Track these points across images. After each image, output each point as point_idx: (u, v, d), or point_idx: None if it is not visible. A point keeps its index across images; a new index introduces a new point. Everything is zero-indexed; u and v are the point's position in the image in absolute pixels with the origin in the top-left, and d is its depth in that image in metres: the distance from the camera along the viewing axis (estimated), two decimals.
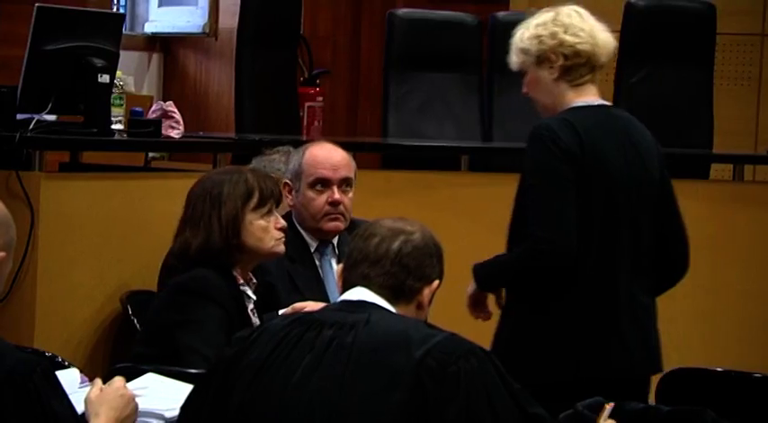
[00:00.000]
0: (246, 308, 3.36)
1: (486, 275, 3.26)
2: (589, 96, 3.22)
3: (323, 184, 3.73)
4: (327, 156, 3.76)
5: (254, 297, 3.40)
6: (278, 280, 3.64)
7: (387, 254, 2.46)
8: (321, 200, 3.71)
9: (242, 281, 3.37)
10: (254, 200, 3.36)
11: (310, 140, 5.98)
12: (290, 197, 3.76)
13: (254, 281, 3.42)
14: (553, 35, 3.19)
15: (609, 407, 2.44)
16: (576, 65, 3.17)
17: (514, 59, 3.28)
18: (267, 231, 3.36)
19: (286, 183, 3.74)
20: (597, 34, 3.20)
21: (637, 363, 3.17)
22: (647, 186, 3.21)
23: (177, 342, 3.20)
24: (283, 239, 3.40)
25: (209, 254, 3.30)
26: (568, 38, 3.18)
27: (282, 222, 3.41)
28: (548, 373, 3.11)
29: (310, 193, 3.72)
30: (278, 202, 3.44)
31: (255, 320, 3.38)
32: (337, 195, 3.71)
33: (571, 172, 3.08)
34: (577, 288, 3.12)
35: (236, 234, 3.32)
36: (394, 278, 2.46)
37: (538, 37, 3.21)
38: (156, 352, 3.20)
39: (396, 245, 2.47)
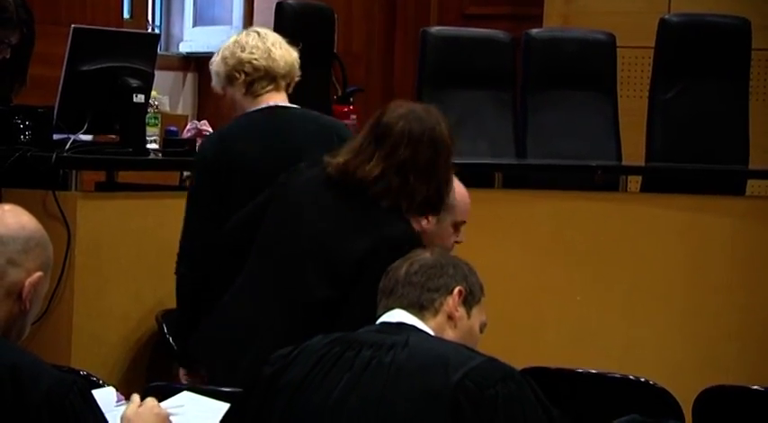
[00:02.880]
0: None
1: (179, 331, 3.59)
2: (264, 102, 3.55)
3: (460, 226, 3.70)
4: (468, 200, 3.70)
5: None
6: None
7: (397, 281, 2.54)
8: (452, 239, 3.66)
9: None
10: None
11: None
12: (429, 222, 3.70)
13: None
14: (233, 55, 3.56)
15: None
16: (256, 79, 3.53)
17: (213, 83, 3.64)
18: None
19: None
20: (272, 50, 3.56)
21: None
22: None
23: None
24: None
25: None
26: (245, 55, 3.54)
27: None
28: None
29: (450, 229, 3.62)
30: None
31: None
32: (460, 238, 3.69)
33: (209, 182, 3.43)
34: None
35: None
36: (408, 298, 2.51)
37: (224, 59, 3.58)
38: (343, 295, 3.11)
39: (402, 270, 2.55)
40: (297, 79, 3.65)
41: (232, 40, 3.61)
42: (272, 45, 3.57)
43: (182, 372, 3.58)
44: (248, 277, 3.26)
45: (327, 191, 3.21)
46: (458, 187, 3.66)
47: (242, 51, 3.55)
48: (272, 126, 3.53)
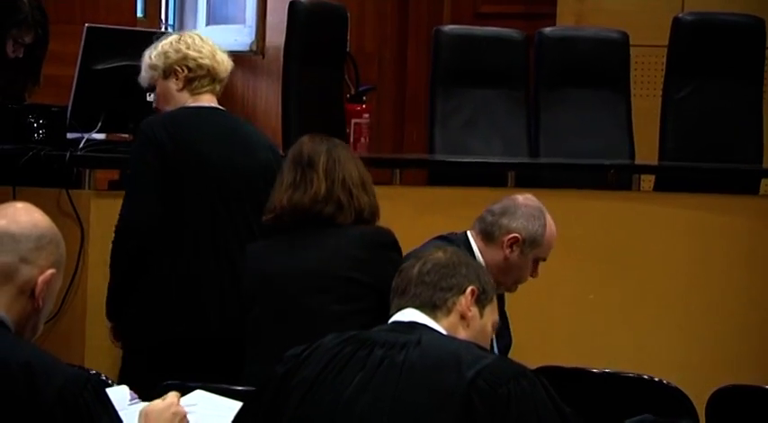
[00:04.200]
0: None
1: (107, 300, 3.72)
2: (203, 102, 3.71)
3: (539, 262, 3.74)
4: (555, 239, 3.75)
5: None
6: None
7: (410, 280, 2.53)
8: (529, 272, 3.71)
9: None
10: None
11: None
12: (513, 252, 3.66)
13: None
14: (178, 51, 3.70)
15: None
16: (198, 76, 3.69)
17: (144, 76, 3.75)
18: None
19: (517, 237, 3.64)
20: (216, 53, 3.74)
21: (215, 326, 3.58)
22: (253, 174, 3.64)
23: None
24: None
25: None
26: (192, 53, 3.69)
27: None
28: (152, 335, 3.62)
29: (530, 263, 3.70)
30: None
31: None
32: (536, 273, 3.74)
33: (158, 162, 3.56)
34: (179, 259, 3.60)
35: None
36: (420, 297, 2.51)
37: (165, 53, 3.71)
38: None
39: (415, 269, 2.54)
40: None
41: (174, 37, 3.76)
42: (217, 51, 3.77)
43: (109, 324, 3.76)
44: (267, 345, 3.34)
45: (287, 238, 3.35)
46: (549, 226, 3.68)
47: (187, 49, 3.71)
48: (225, 125, 3.69)
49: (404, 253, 3.60)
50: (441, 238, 3.72)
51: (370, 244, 3.31)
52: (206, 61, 3.69)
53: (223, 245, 3.61)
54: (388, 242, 3.35)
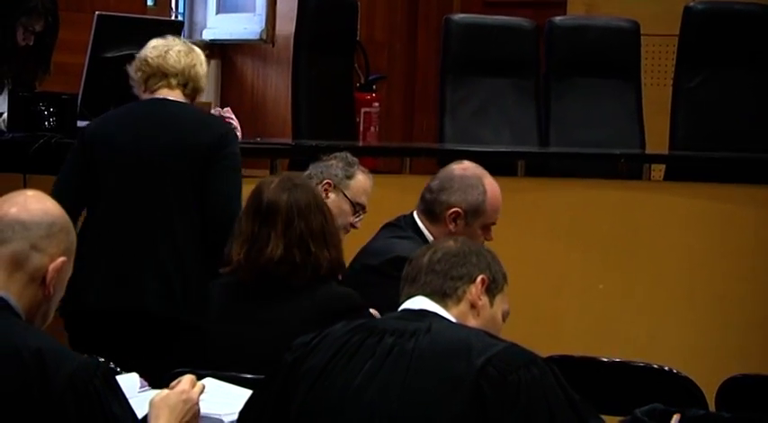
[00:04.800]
0: None
1: None
2: (156, 95, 3.83)
3: (489, 226, 3.71)
4: (500, 201, 3.72)
5: None
6: None
7: (420, 269, 2.53)
8: (481, 239, 3.64)
9: None
10: None
11: (367, 146, 6.01)
12: (457, 225, 3.63)
13: None
14: (139, 56, 3.89)
15: (677, 417, 2.46)
16: (150, 75, 3.84)
17: (133, 85, 3.93)
18: None
19: (458, 211, 3.62)
20: (170, 51, 3.86)
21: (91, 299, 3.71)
22: (172, 154, 3.75)
23: None
24: None
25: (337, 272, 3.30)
26: (145, 53, 3.87)
27: None
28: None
29: (479, 232, 3.65)
30: None
31: None
32: (490, 237, 3.69)
33: (79, 151, 3.82)
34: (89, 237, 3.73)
35: None
36: (431, 286, 2.50)
37: (136, 60, 3.89)
38: None
39: (426, 258, 2.54)
40: (201, 89, 3.90)
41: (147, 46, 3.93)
42: (172, 48, 3.87)
43: None
44: None
45: (243, 304, 3.23)
46: (491, 190, 3.65)
47: (145, 51, 3.86)
48: (148, 111, 3.81)
49: (361, 246, 3.66)
50: (389, 224, 3.73)
51: (323, 313, 3.10)
52: (155, 60, 3.83)
53: (129, 223, 3.74)
54: (343, 308, 3.14)
